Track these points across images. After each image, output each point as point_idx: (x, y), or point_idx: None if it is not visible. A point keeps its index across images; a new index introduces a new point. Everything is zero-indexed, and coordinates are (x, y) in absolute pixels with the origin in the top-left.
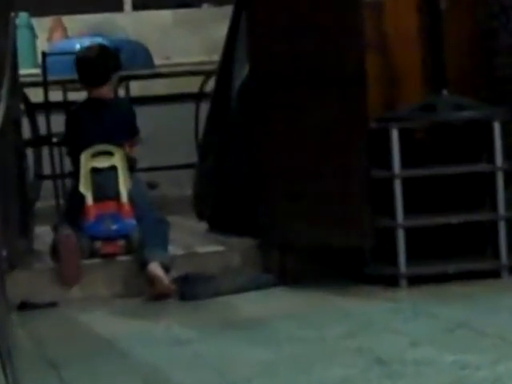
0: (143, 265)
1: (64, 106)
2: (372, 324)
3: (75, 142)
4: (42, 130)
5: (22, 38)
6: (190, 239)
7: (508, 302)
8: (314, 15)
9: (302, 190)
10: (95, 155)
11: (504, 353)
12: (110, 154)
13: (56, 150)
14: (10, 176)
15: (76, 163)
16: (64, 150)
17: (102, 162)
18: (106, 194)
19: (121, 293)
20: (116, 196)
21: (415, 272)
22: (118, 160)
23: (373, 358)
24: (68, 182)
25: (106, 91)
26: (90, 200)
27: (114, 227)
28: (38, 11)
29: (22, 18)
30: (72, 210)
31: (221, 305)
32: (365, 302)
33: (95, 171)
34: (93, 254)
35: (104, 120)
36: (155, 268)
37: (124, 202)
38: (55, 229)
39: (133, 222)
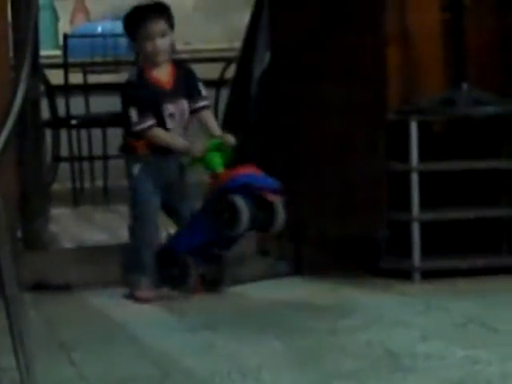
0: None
1: (84, 88)
2: (383, 317)
3: None
4: (61, 112)
5: (44, 19)
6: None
7: None
8: (338, 7)
9: (319, 181)
10: None
11: None
12: None
13: (74, 133)
14: (28, 157)
15: None
16: (82, 132)
17: None
18: None
19: None
20: None
21: (429, 266)
22: None
23: (383, 350)
24: (85, 164)
25: None
26: None
27: None
28: None
29: None
30: None
31: (234, 293)
32: (377, 294)
33: None
34: None
35: None
36: None
37: None
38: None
39: None
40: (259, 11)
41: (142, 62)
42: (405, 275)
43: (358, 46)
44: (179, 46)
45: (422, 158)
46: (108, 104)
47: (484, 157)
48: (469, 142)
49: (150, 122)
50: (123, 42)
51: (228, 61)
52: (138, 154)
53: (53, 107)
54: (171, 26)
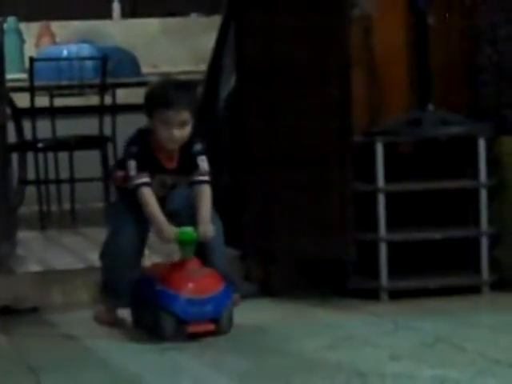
0: None
1: (50, 111)
2: (352, 337)
3: None
4: (28, 135)
5: (9, 42)
6: (170, 247)
7: (488, 318)
8: (300, 27)
9: (285, 202)
10: None
11: (483, 369)
12: None
13: (41, 156)
14: None
15: None
16: (48, 155)
17: None
18: None
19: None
20: None
21: (396, 286)
22: None
23: (352, 371)
24: (52, 187)
25: None
26: None
27: None
28: (27, 16)
29: (10, 22)
30: None
31: None
32: (346, 314)
33: None
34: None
35: None
36: None
37: None
38: None
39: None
40: (225, 33)
41: (152, 138)
42: (373, 295)
43: (324, 69)
44: (146, 69)
45: (389, 178)
46: (74, 127)
47: (450, 177)
48: (435, 162)
49: (146, 179)
50: (89, 65)
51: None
52: (116, 185)
53: (19, 130)
54: (194, 111)
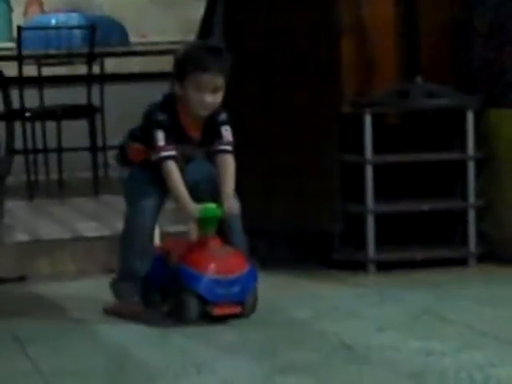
0: None
1: (38, 80)
2: (338, 309)
3: None
4: (15, 105)
5: None
6: (159, 218)
7: (474, 290)
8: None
9: (272, 174)
10: None
11: (469, 340)
12: None
13: (28, 125)
14: None
15: None
16: (36, 125)
17: None
18: None
19: (90, 269)
20: None
21: (383, 258)
22: None
23: (338, 342)
24: (39, 156)
25: None
26: None
27: None
28: None
29: None
30: None
31: None
32: (332, 286)
33: None
34: None
35: None
36: None
37: None
38: None
39: None
40: (213, 4)
41: (179, 103)
42: (359, 267)
43: (313, 39)
44: (135, 39)
45: (377, 150)
46: (62, 96)
47: (438, 149)
48: (423, 134)
49: (173, 152)
50: (77, 34)
51: None
52: (133, 160)
53: (7, 99)
54: (227, 77)
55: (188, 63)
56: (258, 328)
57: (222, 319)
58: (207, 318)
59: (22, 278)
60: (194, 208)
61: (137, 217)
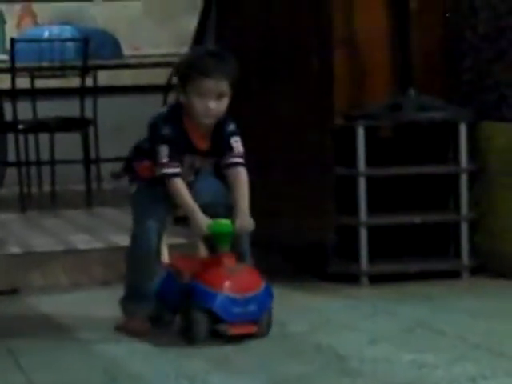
0: None
1: (31, 93)
2: (331, 321)
3: None
4: (8, 117)
5: None
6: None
7: (467, 303)
8: (284, 9)
9: (264, 186)
10: None
11: (461, 353)
12: None
13: (21, 137)
14: None
15: None
16: (29, 137)
17: None
18: None
19: (82, 282)
20: None
21: (377, 270)
22: None
23: (332, 354)
24: (32, 169)
25: None
26: None
27: None
28: None
29: None
30: None
31: None
32: (325, 298)
33: None
34: None
35: None
36: None
37: None
38: None
39: None
40: (206, 15)
41: (185, 113)
42: (353, 279)
43: (305, 51)
44: (128, 51)
45: (370, 162)
46: (55, 109)
47: (431, 161)
48: (416, 146)
49: (177, 169)
50: (70, 46)
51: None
52: (140, 176)
53: (0, 112)
54: (233, 84)
55: (190, 69)
56: (250, 340)
57: (236, 339)
58: (220, 338)
59: (14, 291)
60: (204, 224)
61: (142, 236)
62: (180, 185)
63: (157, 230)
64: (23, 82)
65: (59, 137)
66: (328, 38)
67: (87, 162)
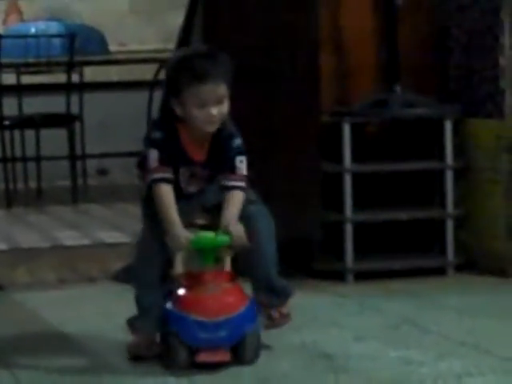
0: None
1: (17, 89)
2: (317, 318)
3: None
4: None
5: None
6: (139, 226)
7: (453, 300)
8: (269, 8)
9: (251, 181)
10: None
11: (447, 350)
12: None
13: (7, 134)
14: None
15: None
16: (15, 133)
17: None
18: None
19: (69, 278)
20: None
21: (362, 267)
22: None
23: (317, 352)
24: (18, 165)
25: None
26: None
27: None
28: None
29: None
30: None
31: None
32: (311, 296)
33: None
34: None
35: None
36: None
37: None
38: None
39: None
40: (193, 11)
41: (178, 120)
42: (338, 276)
43: (292, 49)
44: (114, 47)
45: (356, 159)
46: (41, 105)
47: (417, 158)
48: (402, 143)
49: (168, 174)
50: (56, 42)
51: (162, 62)
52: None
53: None
54: (230, 84)
55: (182, 75)
56: None
57: (210, 367)
58: (197, 366)
59: (0, 287)
60: (183, 238)
61: (146, 246)
62: (165, 192)
63: (162, 243)
64: (9, 78)
65: (45, 133)
66: (314, 36)
67: (73, 158)
